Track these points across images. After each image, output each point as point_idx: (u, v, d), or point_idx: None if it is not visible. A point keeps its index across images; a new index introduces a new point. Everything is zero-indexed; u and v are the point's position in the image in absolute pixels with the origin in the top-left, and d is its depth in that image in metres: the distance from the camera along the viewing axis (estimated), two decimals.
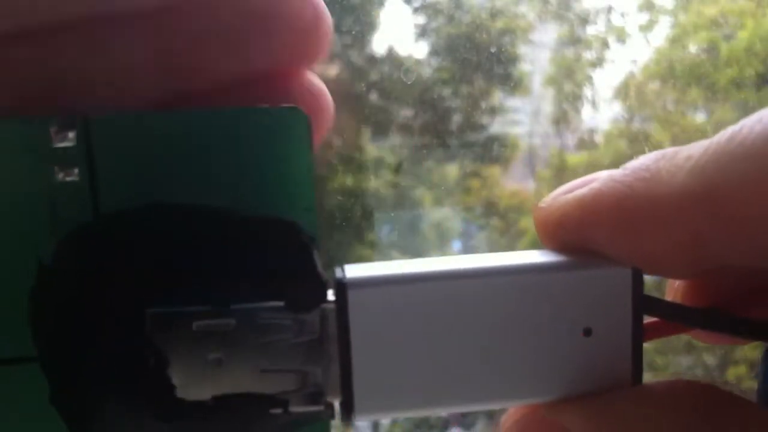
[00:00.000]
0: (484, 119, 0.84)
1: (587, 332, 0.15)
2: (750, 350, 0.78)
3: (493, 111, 0.84)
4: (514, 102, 0.84)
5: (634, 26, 0.84)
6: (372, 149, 0.82)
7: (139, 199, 0.15)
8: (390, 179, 0.81)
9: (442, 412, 0.16)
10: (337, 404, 0.16)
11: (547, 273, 0.15)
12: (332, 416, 0.15)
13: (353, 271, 0.15)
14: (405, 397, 0.15)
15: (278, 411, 0.15)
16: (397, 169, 0.81)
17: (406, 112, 0.80)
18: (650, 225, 0.15)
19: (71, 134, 0.14)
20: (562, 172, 0.85)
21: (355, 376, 0.15)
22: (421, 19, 0.85)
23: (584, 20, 0.83)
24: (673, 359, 0.80)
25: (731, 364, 0.78)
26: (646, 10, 0.83)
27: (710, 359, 0.80)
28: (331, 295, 0.15)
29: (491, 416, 0.81)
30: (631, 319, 0.16)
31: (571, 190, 0.17)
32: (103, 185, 0.15)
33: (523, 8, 0.80)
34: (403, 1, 0.87)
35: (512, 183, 0.85)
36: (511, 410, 0.17)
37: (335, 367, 0.15)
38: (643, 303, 0.16)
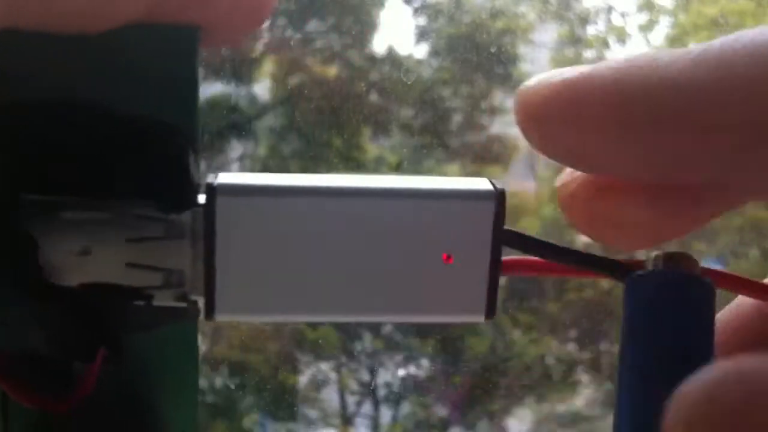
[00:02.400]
0: (484, 119, 0.84)
1: (447, 259, 0.16)
2: None
3: (493, 111, 0.84)
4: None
5: (634, 26, 0.84)
6: (372, 149, 0.82)
7: (30, 92, 0.15)
8: None
9: (299, 320, 0.16)
10: (201, 303, 0.16)
11: (412, 198, 0.16)
12: (197, 314, 0.16)
13: (227, 178, 0.16)
14: (265, 302, 0.16)
15: (141, 303, 0.16)
16: (397, 169, 0.81)
17: (406, 112, 0.80)
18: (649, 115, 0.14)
19: None
20: (561, 172, 0.85)
21: (217, 278, 0.15)
22: (421, 20, 0.85)
23: (584, 20, 0.83)
24: None
25: None
26: (646, 10, 0.83)
27: None
28: (202, 198, 0.16)
29: (492, 416, 0.81)
30: (490, 251, 0.16)
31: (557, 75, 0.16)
32: None
33: (523, 8, 0.80)
34: (403, 2, 0.87)
35: (512, 183, 0.85)
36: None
37: (201, 268, 0.15)
38: (504, 235, 0.16)
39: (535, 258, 0.17)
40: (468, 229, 0.16)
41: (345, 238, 0.16)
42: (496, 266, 0.16)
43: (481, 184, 0.17)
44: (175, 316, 0.16)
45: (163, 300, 0.16)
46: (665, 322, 0.15)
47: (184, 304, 0.16)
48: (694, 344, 0.15)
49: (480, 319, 0.16)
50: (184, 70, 0.16)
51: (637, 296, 0.15)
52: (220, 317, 0.16)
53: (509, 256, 0.17)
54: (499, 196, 0.16)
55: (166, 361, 0.17)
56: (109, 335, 0.15)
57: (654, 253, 0.16)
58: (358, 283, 0.16)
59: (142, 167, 0.15)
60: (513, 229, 0.16)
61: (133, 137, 0.15)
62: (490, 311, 0.16)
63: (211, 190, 0.15)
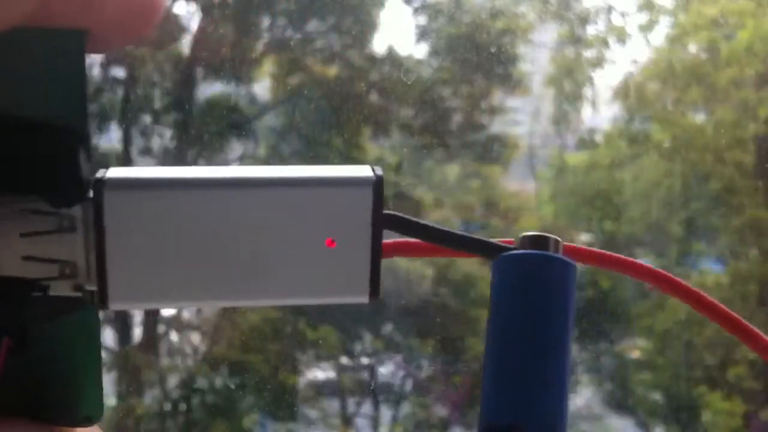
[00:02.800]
0: (484, 119, 0.84)
1: (330, 245, 0.17)
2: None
3: (493, 111, 0.84)
4: (514, 102, 0.84)
5: (634, 26, 0.84)
6: (372, 149, 0.82)
7: None
8: (390, 179, 0.81)
9: (189, 306, 0.17)
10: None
11: (294, 187, 0.17)
12: (93, 303, 0.17)
13: (116, 173, 0.16)
14: (156, 290, 0.17)
15: (39, 294, 0.16)
16: (397, 169, 0.81)
17: (406, 112, 0.80)
18: None
19: None
20: (562, 172, 0.85)
21: (109, 269, 0.16)
22: (421, 20, 0.85)
23: (584, 20, 0.83)
24: (673, 359, 0.80)
25: (731, 364, 0.78)
26: (646, 10, 0.83)
27: (710, 359, 0.80)
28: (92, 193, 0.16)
29: None
30: (371, 235, 0.17)
31: None
32: None
33: (523, 8, 0.80)
34: (403, 1, 0.87)
35: (512, 183, 0.85)
36: None
37: (94, 260, 0.16)
38: (384, 219, 0.17)
39: (415, 240, 0.18)
40: (349, 214, 0.17)
41: (231, 226, 0.16)
42: (378, 249, 0.17)
43: (361, 171, 0.17)
44: (73, 306, 0.17)
45: (61, 291, 0.17)
46: (525, 302, 0.16)
47: (79, 294, 0.17)
48: (552, 323, 0.16)
49: (364, 300, 0.17)
50: (72, 71, 0.16)
51: (502, 276, 0.16)
52: (114, 306, 0.16)
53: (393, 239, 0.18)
54: (376, 183, 0.17)
55: (69, 349, 0.18)
56: (13, 326, 0.16)
57: (522, 234, 0.17)
58: (245, 269, 0.16)
59: (33, 165, 0.16)
60: (393, 212, 0.17)
61: (24, 137, 0.16)
62: (374, 292, 0.17)
63: (99, 185, 0.16)
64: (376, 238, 0.17)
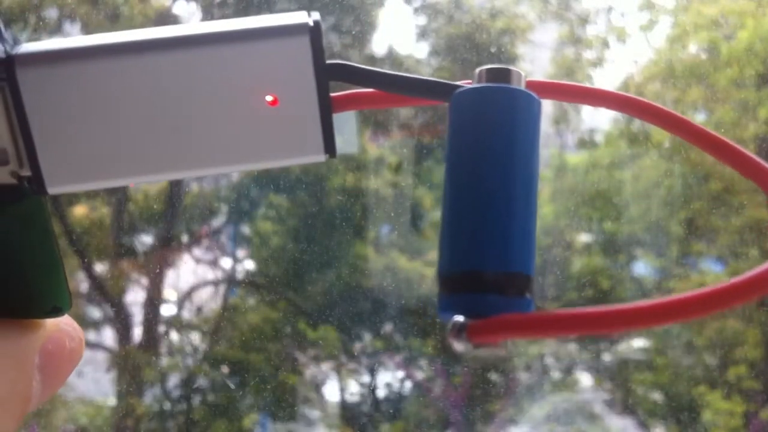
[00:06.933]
0: None
1: (273, 103, 0.15)
2: (750, 350, 0.78)
3: None
4: None
5: (634, 26, 0.84)
6: (372, 149, 0.82)
7: None
8: (390, 179, 0.81)
9: (132, 182, 0.16)
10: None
11: (223, 43, 0.15)
12: (32, 189, 0.15)
13: (30, 47, 0.15)
14: (94, 169, 0.15)
15: None
16: (397, 169, 0.81)
17: (406, 112, 0.80)
18: None
19: None
20: (562, 172, 0.85)
21: (39, 152, 0.15)
22: (421, 20, 0.85)
23: (584, 20, 0.83)
24: (673, 359, 0.80)
25: (731, 364, 0.78)
26: (646, 10, 0.83)
27: (710, 359, 0.80)
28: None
29: (492, 416, 0.81)
30: (316, 88, 0.15)
31: None
32: None
33: (523, 8, 0.80)
34: (403, 1, 0.87)
35: None
36: None
37: (22, 144, 0.15)
38: (328, 69, 0.15)
39: (367, 90, 0.16)
40: (288, 68, 0.15)
41: (163, 93, 0.15)
42: (326, 102, 0.15)
43: (296, 18, 0.15)
44: (13, 195, 0.16)
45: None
46: (484, 141, 0.14)
47: (15, 182, 0.15)
48: (515, 163, 0.14)
49: (320, 157, 0.16)
50: None
51: (461, 112, 0.15)
52: (53, 189, 0.15)
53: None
54: (314, 29, 0.15)
55: (20, 242, 0.16)
56: None
57: (479, 69, 0.15)
58: (183, 138, 0.15)
59: None
60: (337, 61, 0.16)
61: None
62: (329, 149, 0.16)
63: (10, 62, 0.15)
64: (323, 90, 0.15)
